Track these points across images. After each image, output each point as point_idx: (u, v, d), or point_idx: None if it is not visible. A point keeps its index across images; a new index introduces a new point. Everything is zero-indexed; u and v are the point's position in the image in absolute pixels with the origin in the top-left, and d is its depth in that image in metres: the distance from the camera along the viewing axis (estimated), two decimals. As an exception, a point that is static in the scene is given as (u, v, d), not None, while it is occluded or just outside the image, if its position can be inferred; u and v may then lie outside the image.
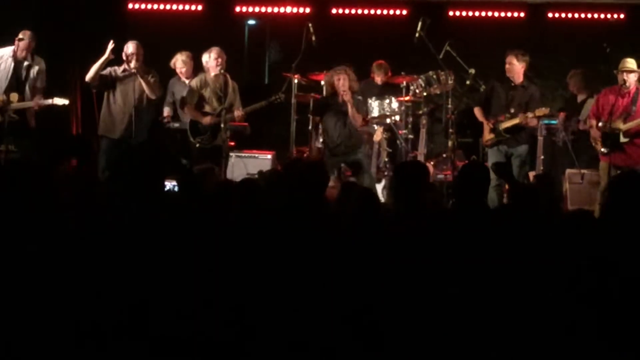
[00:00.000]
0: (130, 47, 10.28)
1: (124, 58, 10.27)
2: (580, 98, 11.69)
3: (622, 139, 10.00)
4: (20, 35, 10.17)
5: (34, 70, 10.24)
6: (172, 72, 11.20)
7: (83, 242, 4.50)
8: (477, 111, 10.68)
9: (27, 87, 10.20)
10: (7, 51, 10.24)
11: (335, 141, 10.18)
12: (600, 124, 10.09)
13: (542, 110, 10.20)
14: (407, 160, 10.47)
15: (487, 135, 10.46)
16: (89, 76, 10.27)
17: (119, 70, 10.34)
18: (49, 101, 10.19)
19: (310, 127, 10.73)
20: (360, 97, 10.36)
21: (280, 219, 4.98)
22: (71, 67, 12.22)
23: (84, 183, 5.55)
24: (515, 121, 10.21)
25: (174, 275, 4.44)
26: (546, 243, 4.68)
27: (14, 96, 10.06)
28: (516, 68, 10.36)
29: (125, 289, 4.37)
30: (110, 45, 10.11)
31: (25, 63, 10.21)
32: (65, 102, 10.38)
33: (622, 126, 9.98)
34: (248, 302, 4.40)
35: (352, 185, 6.40)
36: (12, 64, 10.19)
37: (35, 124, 10.36)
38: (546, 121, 10.95)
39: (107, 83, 10.34)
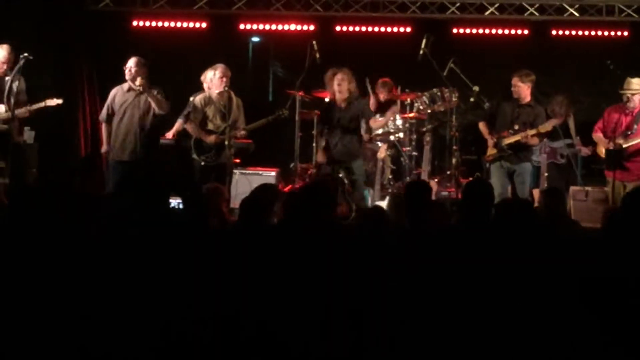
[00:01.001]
0: (130, 63, 10.23)
1: (128, 76, 10.24)
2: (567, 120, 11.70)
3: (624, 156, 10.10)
4: None
5: (15, 85, 9.94)
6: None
7: (83, 258, 4.52)
8: (482, 126, 10.69)
9: (11, 99, 9.97)
10: None
11: (332, 147, 10.21)
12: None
13: (546, 127, 10.20)
14: (413, 180, 10.44)
15: (490, 151, 10.47)
16: (100, 117, 10.41)
17: (123, 89, 10.31)
18: (41, 104, 10.05)
19: (314, 132, 10.71)
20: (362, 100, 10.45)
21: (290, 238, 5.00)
22: (76, 85, 12.23)
23: (88, 200, 5.56)
24: (517, 138, 10.21)
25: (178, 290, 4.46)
26: (551, 259, 4.70)
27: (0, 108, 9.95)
28: (522, 89, 10.36)
29: (127, 301, 4.39)
30: None
31: (7, 78, 10.03)
32: (59, 101, 10.15)
33: (623, 144, 10.05)
34: (251, 320, 4.42)
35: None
36: None
37: (19, 135, 10.23)
38: (549, 142, 11.04)
39: (114, 111, 10.33)
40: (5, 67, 10.04)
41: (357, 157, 10.40)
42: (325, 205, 5.32)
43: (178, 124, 11.30)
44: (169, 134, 11.40)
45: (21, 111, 9.95)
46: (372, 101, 11.06)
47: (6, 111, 9.87)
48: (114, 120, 10.31)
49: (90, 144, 12.41)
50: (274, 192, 7.39)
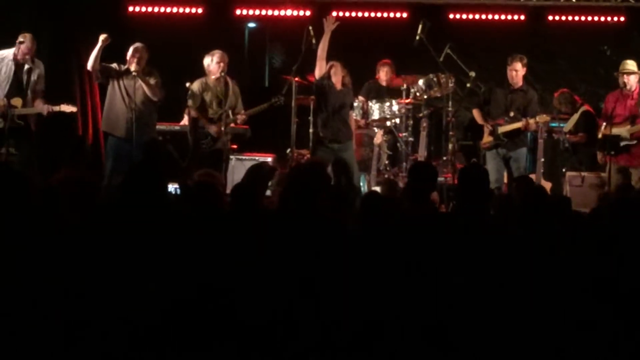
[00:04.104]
0: (131, 49, 10.28)
1: (128, 59, 10.27)
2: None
3: (630, 141, 10.09)
4: (20, 39, 10.10)
5: (35, 73, 10.16)
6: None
7: (82, 247, 4.52)
8: (476, 113, 10.71)
9: (28, 91, 10.14)
10: (8, 54, 10.18)
11: (325, 128, 10.15)
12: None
13: (544, 117, 10.22)
14: (421, 162, 10.39)
15: (486, 138, 10.48)
16: (89, 64, 10.24)
17: (123, 67, 10.33)
18: (57, 108, 10.14)
19: (310, 118, 10.68)
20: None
21: (284, 221, 5.00)
22: (73, 70, 12.22)
23: (84, 188, 5.56)
24: (516, 125, 10.23)
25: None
26: (551, 246, 4.72)
27: (17, 101, 10.00)
28: (520, 74, 10.39)
29: (124, 291, 4.39)
30: (102, 36, 10.07)
31: (26, 66, 10.13)
32: (73, 109, 10.32)
33: (630, 129, 10.07)
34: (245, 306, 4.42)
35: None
36: (13, 67, 10.15)
37: (35, 127, 10.32)
38: (555, 124, 11.06)
39: (111, 75, 10.31)
40: (27, 56, 10.12)
41: (349, 139, 10.34)
42: (318, 188, 5.30)
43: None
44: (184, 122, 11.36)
45: (36, 111, 10.13)
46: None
47: (21, 106, 9.96)
48: (110, 91, 10.34)
49: (89, 129, 12.40)
50: (266, 171, 7.42)
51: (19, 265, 4.31)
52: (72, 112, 10.36)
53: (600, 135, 10.38)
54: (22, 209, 4.58)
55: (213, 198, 5.52)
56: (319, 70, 10.04)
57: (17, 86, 10.10)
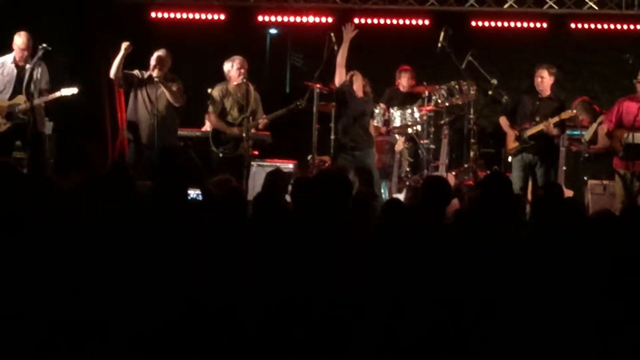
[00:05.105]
0: (155, 55, 10.31)
1: (150, 65, 10.30)
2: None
3: None
4: (15, 40, 10.10)
5: (37, 72, 10.04)
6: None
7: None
8: (503, 121, 10.70)
9: (33, 90, 10.02)
10: (8, 58, 10.17)
11: (346, 135, 10.17)
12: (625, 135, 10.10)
13: (568, 113, 10.22)
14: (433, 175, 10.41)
15: (512, 144, 10.48)
16: (112, 72, 10.26)
17: (145, 74, 10.36)
18: (56, 94, 10.09)
19: (331, 124, 10.68)
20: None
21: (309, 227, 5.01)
22: (95, 76, 12.23)
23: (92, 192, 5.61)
24: (540, 127, 10.22)
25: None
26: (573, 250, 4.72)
27: (20, 98, 10.00)
28: (546, 81, 10.38)
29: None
30: (125, 44, 10.09)
31: (27, 66, 10.08)
32: (74, 90, 10.18)
33: None
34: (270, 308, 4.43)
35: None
36: (15, 70, 10.14)
37: (42, 128, 10.29)
38: (569, 132, 10.96)
39: (133, 82, 10.35)
40: (25, 53, 10.11)
41: (370, 147, 10.36)
42: (341, 193, 5.30)
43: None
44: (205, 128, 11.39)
45: (37, 101, 10.01)
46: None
47: (25, 102, 9.94)
48: (132, 98, 10.38)
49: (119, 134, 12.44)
50: (285, 176, 7.44)
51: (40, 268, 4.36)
52: (73, 95, 10.22)
53: (622, 143, 10.29)
54: (24, 209, 4.64)
55: (236, 206, 5.54)
56: (339, 78, 10.07)
57: (20, 87, 10.05)
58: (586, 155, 11.18)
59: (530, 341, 4.35)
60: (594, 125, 11.23)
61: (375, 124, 11.03)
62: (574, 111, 10.49)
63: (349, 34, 10.08)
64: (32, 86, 9.98)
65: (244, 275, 4.51)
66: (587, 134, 11.27)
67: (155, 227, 4.86)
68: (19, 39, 10.13)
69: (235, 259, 4.63)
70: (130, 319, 4.37)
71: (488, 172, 10.74)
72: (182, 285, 4.48)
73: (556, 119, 10.18)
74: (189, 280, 4.50)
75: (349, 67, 10.15)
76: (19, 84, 10.08)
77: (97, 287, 4.45)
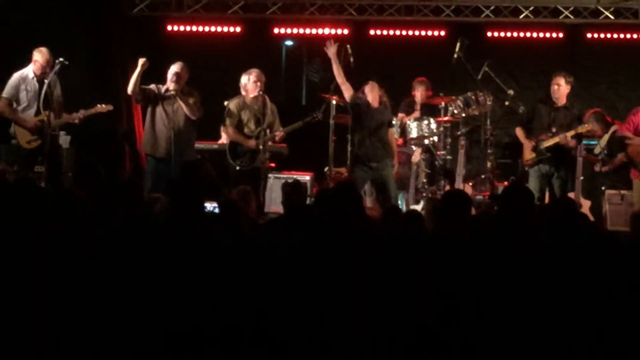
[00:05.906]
0: (172, 68, 10.33)
1: (167, 78, 10.33)
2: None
3: None
4: (35, 56, 10.18)
5: (57, 87, 10.22)
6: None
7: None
8: (519, 131, 10.70)
9: (54, 104, 10.12)
10: (28, 72, 10.23)
11: (363, 147, 10.19)
12: None
13: (585, 127, 10.21)
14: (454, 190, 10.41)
15: (528, 155, 10.47)
16: (129, 88, 10.30)
17: (162, 88, 10.39)
18: (92, 110, 10.26)
19: (348, 136, 10.69)
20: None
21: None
22: (115, 91, 12.25)
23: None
24: (556, 140, 10.21)
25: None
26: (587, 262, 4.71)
27: (45, 115, 10.05)
28: (563, 90, 10.38)
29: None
30: (141, 60, 10.13)
31: (46, 81, 10.13)
32: (110, 107, 10.44)
33: None
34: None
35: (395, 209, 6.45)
36: (37, 85, 10.20)
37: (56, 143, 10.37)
38: (586, 142, 10.94)
39: (150, 98, 10.37)
40: (47, 70, 10.17)
41: (388, 158, 10.38)
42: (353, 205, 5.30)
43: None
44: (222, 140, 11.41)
45: (71, 117, 10.21)
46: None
47: (52, 116, 10.00)
48: (149, 113, 10.41)
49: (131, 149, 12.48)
50: (302, 187, 7.45)
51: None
52: (109, 111, 10.44)
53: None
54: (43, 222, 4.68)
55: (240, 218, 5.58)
56: (347, 92, 10.16)
57: (44, 102, 10.13)
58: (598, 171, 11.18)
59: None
60: (606, 136, 11.21)
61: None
62: (591, 125, 10.47)
63: (331, 50, 10.15)
64: (53, 100, 10.07)
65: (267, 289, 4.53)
66: (600, 144, 11.25)
67: (172, 240, 4.87)
68: (40, 56, 10.20)
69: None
70: (143, 329, 4.39)
71: (505, 182, 10.76)
72: (201, 297, 4.49)
73: (572, 132, 10.17)
74: (208, 293, 4.52)
75: (363, 80, 10.17)
76: (44, 99, 10.13)
77: (113, 299, 4.47)
